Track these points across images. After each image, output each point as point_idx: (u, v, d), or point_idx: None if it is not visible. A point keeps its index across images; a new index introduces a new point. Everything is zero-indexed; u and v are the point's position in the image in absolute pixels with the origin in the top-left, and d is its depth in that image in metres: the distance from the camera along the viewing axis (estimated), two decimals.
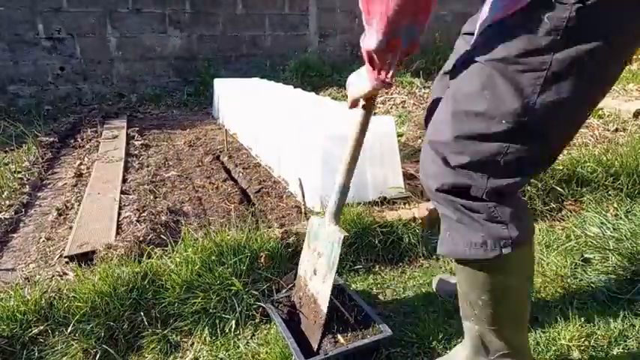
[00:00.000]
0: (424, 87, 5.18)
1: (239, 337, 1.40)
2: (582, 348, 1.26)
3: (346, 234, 1.24)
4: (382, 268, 1.73)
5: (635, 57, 5.65)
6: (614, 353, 1.24)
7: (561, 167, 2.17)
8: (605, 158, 2.27)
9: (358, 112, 1.17)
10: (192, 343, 1.38)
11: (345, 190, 1.25)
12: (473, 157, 0.91)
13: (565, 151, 2.68)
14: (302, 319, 1.34)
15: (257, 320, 1.45)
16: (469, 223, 0.97)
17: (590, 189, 2.16)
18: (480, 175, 0.93)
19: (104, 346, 1.34)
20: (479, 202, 0.95)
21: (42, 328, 1.34)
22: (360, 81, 1.08)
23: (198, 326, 1.42)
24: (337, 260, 1.22)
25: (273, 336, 1.37)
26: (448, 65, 1.29)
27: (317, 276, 1.31)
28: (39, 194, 2.43)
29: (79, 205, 2.12)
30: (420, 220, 1.86)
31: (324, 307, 1.25)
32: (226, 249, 1.53)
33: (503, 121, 0.86)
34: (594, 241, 1.74)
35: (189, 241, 1.57)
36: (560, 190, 2.12)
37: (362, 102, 1.15)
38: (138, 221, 1.90)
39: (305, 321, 1.32)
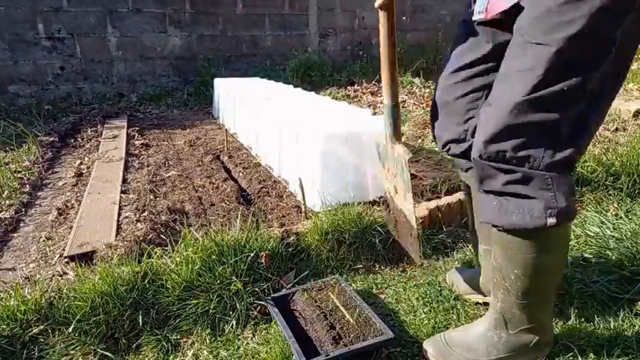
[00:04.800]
0: (424, 87, 5.17)
1: (239, 336, 1.40)
2: (582, 348, 1.26)
3: (410, 155, 1.31)
4: (382, 267, 1.73)
5: (635, 57, 5.66)
6: (614, 353, 1.24)
7: None
8: (605, 158, 2.27)
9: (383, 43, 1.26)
10: (192, 343, 1.38)
11: (392, 108, 1.34)
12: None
13: None
14: (398, 232, 1.56)
15: (257, 320, 1.45)
16: (522, 193, 0.98)
17: (591, 188, 2.16)
18: (543, 147, 0.95)
19: (104, 345, 1.35)
20: (537, 171, 0.96)
21: (42, 327, 1.34)
22: None
23: (198, 326, 1.42)
24: (409, 178, 1.32)
25: (273, 336, 1.37)
26: (463, 59, 1.20)
27: (398, 194, 1.44)
28: (39, 194, 2.43)
29: (79, 205, 2.12)
30: (421, 220, 1.86)
31: (413, 222, 1.37)
32: (226, 249, 1.53)
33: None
34: (594, 241, 1.74)
35: (190, 240, 1.57)
36: None
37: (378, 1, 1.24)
38: (138, 221, 1.90)
39: (401, 233, 1.52)
